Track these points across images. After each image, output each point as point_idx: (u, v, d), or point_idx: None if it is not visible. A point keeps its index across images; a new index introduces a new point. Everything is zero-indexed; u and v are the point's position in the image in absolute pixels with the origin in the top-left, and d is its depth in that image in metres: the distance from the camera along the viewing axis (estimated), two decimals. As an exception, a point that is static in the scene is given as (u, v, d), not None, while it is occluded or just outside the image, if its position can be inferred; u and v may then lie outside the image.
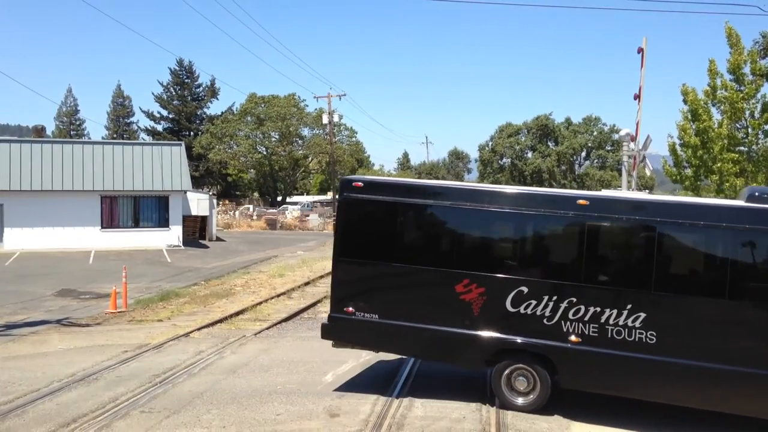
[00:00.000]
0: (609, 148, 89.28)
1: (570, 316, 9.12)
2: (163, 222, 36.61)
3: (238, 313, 17.54)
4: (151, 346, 13.66)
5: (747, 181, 21.71)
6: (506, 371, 9.47)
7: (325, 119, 55.78)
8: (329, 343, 14.22)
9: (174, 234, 36.45)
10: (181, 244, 36.27)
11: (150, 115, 79.86)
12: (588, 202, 9.32)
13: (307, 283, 23.38)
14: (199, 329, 15.46)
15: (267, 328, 15.76)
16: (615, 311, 8.96)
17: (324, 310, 18.49)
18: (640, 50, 18.16)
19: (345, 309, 10.10)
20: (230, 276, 25.95)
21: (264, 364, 12.23)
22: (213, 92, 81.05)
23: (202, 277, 25.61)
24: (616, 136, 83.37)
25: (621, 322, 8.93)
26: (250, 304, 18.89)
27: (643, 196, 10.11)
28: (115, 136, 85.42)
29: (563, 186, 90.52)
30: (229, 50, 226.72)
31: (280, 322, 16.55)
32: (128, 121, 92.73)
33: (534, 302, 9.27)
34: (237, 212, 64.07)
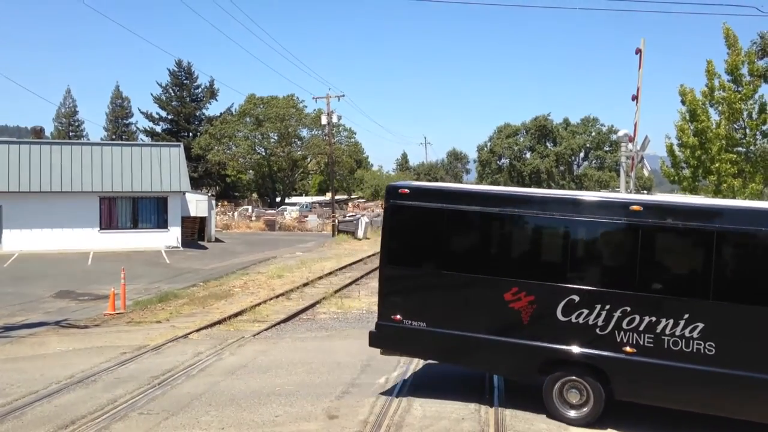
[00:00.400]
0: (607, 149, 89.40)
1: (624, 325, 8.80)
2: (162, 223, 36.59)
3: (236, 315, 17.53)
4: (150, 348, 13.66)
5: (745, 181, 21.73)
6: (558, 383, 9.18)
7: (323, 120, 55.68)
8: (327, 344, 14.31)
9: (173, 235, 36.43)
10: (179, 246, 36.25)
11: (149, 116, 79.86)
12: (642, 208, 8.95)
13: (305, 284, 23.38)
14: (197, 330, 15.46)
15: (266, 330, 15.76)
16: (671, 321, 8.64)
17: (323, 312, 18.53)
18: (638, 51, 18.16)
19: (392, 317, 9.95)
20: (229, 277, 25.94)
21: (263, 366, 12.23)
22: (212, 93, 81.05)
23: (200, 278, 25.60)
24: (614, 137, 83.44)
25: (678, 333, 8.62)
26: (249, 305, 18.89)
27: (701, 200, 9.72)
28: (113, 137, 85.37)
29: (561, 186, 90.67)
30: (227, 51, 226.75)
31: (278, 324, 16.54)
32: (127, 122, 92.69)
33: (586, 311, 8.98)
34: (236, 213, 64.05)
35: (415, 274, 10.09)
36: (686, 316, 8.60)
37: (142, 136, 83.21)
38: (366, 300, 20.42)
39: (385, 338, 10.18)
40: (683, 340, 8.61)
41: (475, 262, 9.83)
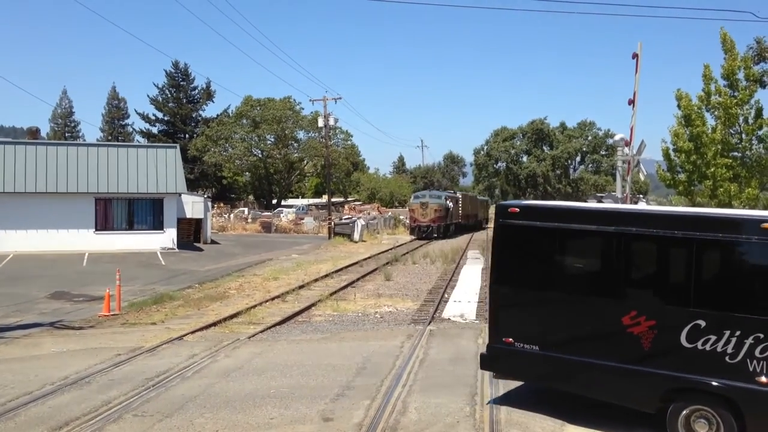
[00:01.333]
0: (603, 153, 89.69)
1: (757, 353, 8.01)
2: (158, 224, 36.54)
3: (232, 317, 17.50)
4: (145, 350, 13.62)
5: (741, 186, 21.80)
6: (683, 413, 8.47)
7: (320, 122, 55.70)
8: (323, 346, 14.29)
9: (168, 237, 36.38)
10: (175, 247, 36.19)
11: (145, 118, 79.85)
12: None
13: (301, 287, 23.35)
14: (192, 332, 15.42)
15: (261, 332, 15.73)
16: None
17: (318, 314, 18.51)
18: (635, 56, 18.22)
19: (504, 339, 9.57)
20: (224, 279, 25.91)
21: (258, 368, 12.21)
22: (208, 95, 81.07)
23: (196, 280, 25.56)
24: (610, 141, 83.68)
25: None
26: (245, 307, 18.86)
27: None
28: (110, 138, 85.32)
29: (557, 190, 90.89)
30: (224, 53, 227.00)
31: (274, 326, 16.52)
32: (123, 123, 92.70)
33: (713, 338, 8.22)
34: (232, 215, 63.99)
35: (526, 295, 9.64)
36: None
37: (138, 137, 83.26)
38: (361, 302, 20.42)
39: (496, 361, 9.78)
40: None
41: (590, 283, 9.37)
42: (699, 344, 8.31)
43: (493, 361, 9.86)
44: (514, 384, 10.99)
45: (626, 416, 9.33)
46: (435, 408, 9.71)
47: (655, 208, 11.89)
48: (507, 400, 10.16)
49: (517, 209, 9.81)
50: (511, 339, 9.51)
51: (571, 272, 9.67)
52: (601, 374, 8.97)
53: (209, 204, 46.63)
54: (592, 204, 12.83)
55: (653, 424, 9.21)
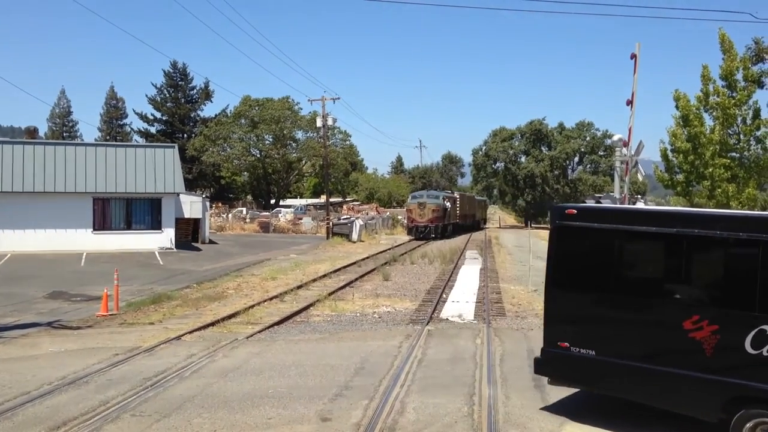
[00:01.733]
0: (602, 153, 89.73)
1: None
2: (156, 224, 36.52)
3: (230, 317, 17.49)
4: (143, 350, 13.61)
5: (739, 187, 21.83)
6: (747, 425, 8.07)
7: (319, 122, 55.70)
8: (321, 347, 14.27)
9: (166, 236, 36.36)
10: (173, 247, 36.16)
11: (143, 117, 79.80)
12: None
13: (299, 287, 23.34)
14: (190, 332, 15.41)
15: (259, 332, 15.72)
16: None
17: (316, 314, 18.50)
18: (633, 56, 18.22)
19: (559, 343, 9.31)
20: (223, 279, 25.90)
21: (256, 368, 12.21)
22: (207, 95, 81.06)
23: (194, 279, 25.54)
24: (608, 142, 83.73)
25: None
26: (243, 307, 18.84)
27: None
28: (108, 137, 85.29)
29: (556, 190, 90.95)
30: (223, 53, 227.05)
31: (272, 326, 16.50)
32: (121, 122, 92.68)
33: None
34: (230, 215, 63.95)
35: (582, 298, 9.34)
36: None
37: (136, 136, 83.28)
38: (360, 303, 20.42)
39: (551, 366, 9.52)
40: None
41: (650, 287, 9.04)
42: (765, 351, 7.95)
43: (547, 365, 9.58)
44: (513, 384, 11.00)
45: (626, 416, 9.34)
46: (433, 408, 9.72)
47: (722, 210, 11.47)
48: (506, 400, 10.16)
49: (575, 211, 9.59)
50: (566, 343, 9.26)
51: (629, 275, 9.37)
52: (660, 381, 8.63)
53: (207, 204, 46.61)
54: (649, 206, 12.50)
55: (650, 422, 9.22)
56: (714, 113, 22.60)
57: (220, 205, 69.65)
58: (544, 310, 9.85)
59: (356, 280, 25.78)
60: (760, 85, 23.05)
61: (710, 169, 21.69)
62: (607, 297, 9.20)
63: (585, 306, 9.38)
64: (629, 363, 8.80)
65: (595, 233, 9.37)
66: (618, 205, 10.85)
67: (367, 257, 35.63)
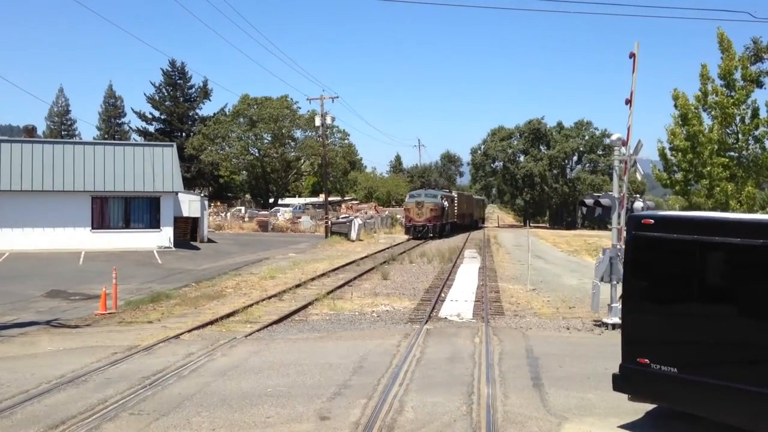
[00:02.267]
0: (600, 153, 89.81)
1: None
2: (154, 223, 36.51)
3: (228, 315, 17.48)
4: (141, 348, 13.60)
5: (738, 186, 21.86)
6: None
7: (317, 121, 55.76)
8: (319, 345, 14.27)
9: (165, 235, 36.35)
10: (172, 246, 36.16)
11: (142, 116, 79.85)
12: None
13: (298, 285, 23.35)
14: (189, 331, 15.40)
15: (258, 331, 15.71)
16: None
17: (315, 313, 18.51)
18: (632, 55, 18.18)
19: (638, 359, 8.79)
20: (221, 278, 25.89)
21: (254, 367, 12.20)
22: (205, 93, 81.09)
23: (192, 278, 25.53)
24: (607, 141, 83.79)
25: None
26: (241, 306, 18.84)
27: None
28: (106, 136, 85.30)
29: (554, 190, 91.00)
30: (221, 52, 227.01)
31: (271, 325, 16.50)
32: (120, 121, 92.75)
33: None
34: (229, 214, 63.98)
35: (662, 312, 8.82)
36: None
37: (134, 135, 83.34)
38: (358, 301, 20.42)
39: (630, 382, 9.02)
40: None
41: (737, 300, 8.40)
42: None
43: (626, 382, 9.06)
44: (512, 383, 11.01)
45: (626, 415, 9.35)
46: (432, 407, 9.71)
47: None
48: (505, 400, 10.16)
49: (652, 220, 9.03)
50: (646, 360, 8.73)
51: (714, 289, 8.72)
52: (750, 402, 7.99)
53: (206, 203, 46.62)
54: (736, 215, 11.76)
55: (648, 422, 9.24)
56: (713, 112, 22.65)
57: (218, 204, 69.68)
58: (622, 324, 9.33)
59: (355, 279, 25.78)
60: (759, 85, 23.08)
61: (709, 168, 21.74)
62: (690, 311, 8.61)
63: (665, 320, 8.83)
64: (714, 382, 8.21)
65: (674, 244, 8.78)
66: (697, 214, 10.35)
67: (366, 256, 35.65)
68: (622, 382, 9.13)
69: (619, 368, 9.09)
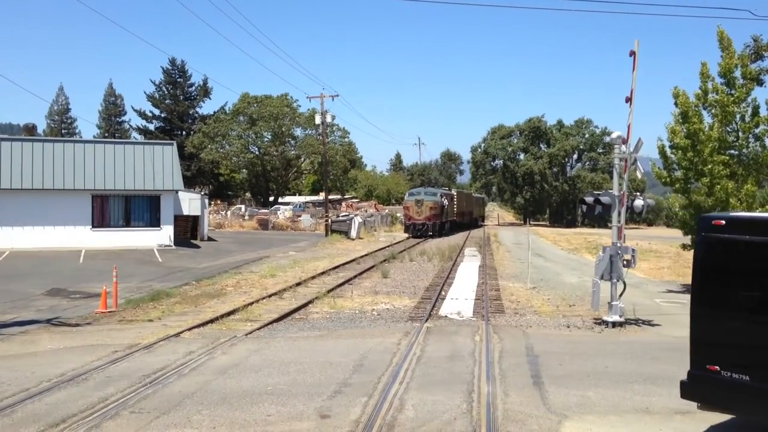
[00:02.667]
0: (600, 151, 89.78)
1: None
2: (155, 222, 36.53)
3: (229, 314, 17.50)
4: (141, 346, 13.61)
5: (738, 184, 21.83)
6: None
7: (317, 119, 55.76)
8: (320, 344, 14.27)
9: (165, 234, 36.36)
10: (172, 244, 36.17)
11: (142, 114, 79.79)
12: None
13: (298, 284, 23.36)
14: (189, 329, 15.41)
15: (258, 329, 15.72)
16: None
17: (315, 311, 18.52)
18: (632, 53, 18.18)
19: (708, 366, 8.40)
20: (221, 276, 25.90)
21: (255, 365, 12.21)
22: (205, 92, 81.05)
23: (193, 277, 25.55)
24: (607, 139, 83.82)
25: None
26: (242, 304, 18.85)
27: None
28: (106, 135, 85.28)
29: (554, 188, 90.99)
30: (222, 50, 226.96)
31: (271, 323, 16.51)
32: (120, 120, 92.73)
33: None
34: (229, 212, 63.98)
35: (735, 317, 8.35)
36: None
37: (135, 134, 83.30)
38: (359, 300, 20.43)
39: (699, 390, 8.62)
40: None
41: None
42: None
43: (695, 389, 8.67)
44: (512, 381, 11.02)
45: (626, 414, 9.36)
46: (432, 405, 9.72)
47: None
48: (505, 398, 10.17)
49: (723, 222, 8.63)
50: (717, 367, 8.35)
51: None
52: None
53: (206, 201, 46.61)
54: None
55: (648, 421, 9.24)
56: (713, 110, 22.58)
57: (218, 202, 69.71)
58: (690, 329, 8.92)
59: (355, 277, 25.79)
60: (759, 83, 23.01)
61: (709, 166, 21.68)
62: (762, 317, 8.11)
63: (737, 326, 8.38)
64: None
65: (747, 246, 8.33)
66: None
67: (366, 254, 35.66)
68: (689, 390, 8.74)
69: (687, 375, 8.75)
